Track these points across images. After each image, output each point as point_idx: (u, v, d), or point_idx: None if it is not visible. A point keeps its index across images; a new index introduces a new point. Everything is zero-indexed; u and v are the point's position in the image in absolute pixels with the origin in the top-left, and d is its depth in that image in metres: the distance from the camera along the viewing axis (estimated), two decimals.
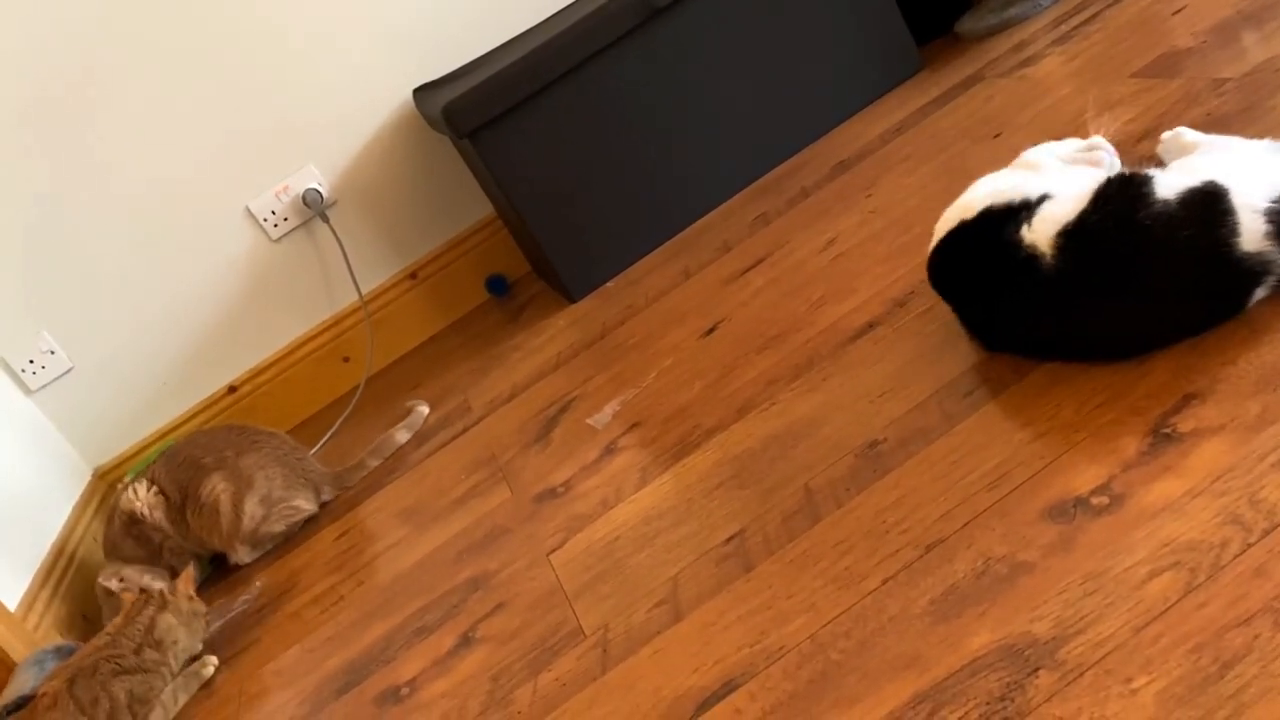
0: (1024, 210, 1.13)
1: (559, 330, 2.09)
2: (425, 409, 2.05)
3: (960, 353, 1.27)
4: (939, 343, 1.32)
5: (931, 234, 1.27)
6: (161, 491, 1.93)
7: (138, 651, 1.55)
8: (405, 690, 1.28)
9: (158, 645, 1.58)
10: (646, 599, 1.18)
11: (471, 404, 1.99)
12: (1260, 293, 1.02)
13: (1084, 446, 1.03)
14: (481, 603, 1.37)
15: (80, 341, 2.32)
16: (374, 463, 1.98)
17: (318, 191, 2.35)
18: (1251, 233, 0.99)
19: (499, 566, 1.42)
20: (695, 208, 2.19)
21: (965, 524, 1.02)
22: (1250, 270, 1.00)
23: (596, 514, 1.40)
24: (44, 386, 2.31)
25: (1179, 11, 1.82)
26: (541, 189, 2.11)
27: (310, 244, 2.40)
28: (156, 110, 2.23)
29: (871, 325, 1.45)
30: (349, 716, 1.31)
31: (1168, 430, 0.99)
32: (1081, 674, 0.81)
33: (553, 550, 1.38)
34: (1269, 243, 0.99)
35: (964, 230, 1.21)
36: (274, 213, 2.35)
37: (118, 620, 1.61)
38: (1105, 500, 0.95)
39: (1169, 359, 1.06)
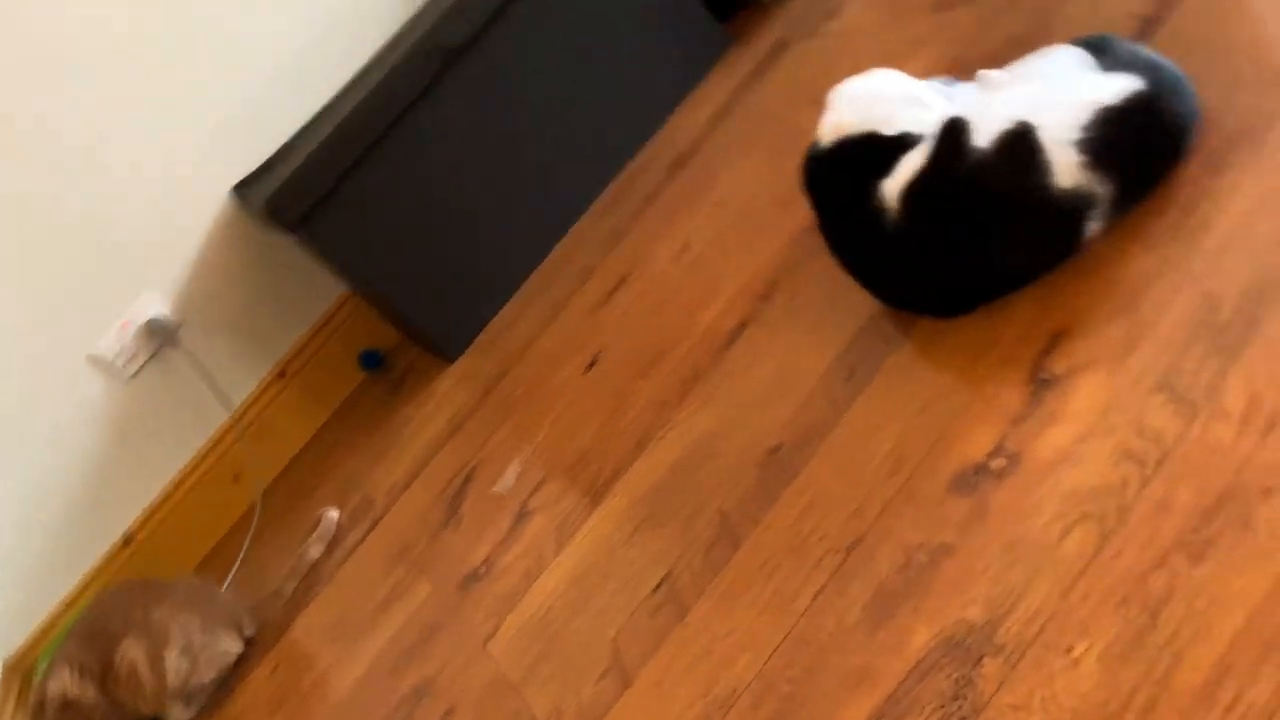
0: (899, 152, 1.12)
1: (444, 394, 2.03)
2: (335, 514, 1.97)
3: (830, 335, 1.27)
4: (808, 330, 1.31)
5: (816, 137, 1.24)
6: (83, 669, 1.82)
7: None
8: None
9: None
10: (592, 670, 1.15)
11: (373, 496, 1.93)
12: (1093, 225, 1.02)
13: (969, 409, 1.03)
14: (430, 711, 1.31)
15: None
16: (292, 585, 1.90)
17: (161, 319, 2.24)
18: (1065, 167, 0.99)
19: (438, 668, 1.37)
20: (547, 239, 2.15)
21: (878, 515, 1.01)
22: (1073, 206, 1.00)
23: (523, 589, 1.36)
24: None
25: None
26: (387, 260, 2.04)
27: (168, 372, 2.29)
28: None
29: (743, 325, 1.44)
30: None
31: (1045, 376, 0.99)
32: (1023, 654, 0.81)
33: (488, 638, 1.34)
34: (1086, 173, 0.99)
35: (844, 149, 1.18)
36: (121, 351, 2.23)
37: None
38: (1003, 462, 0.95)
39: (1027, 299, 1.07)
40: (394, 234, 2.04)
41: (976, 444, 0.99)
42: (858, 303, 1.27)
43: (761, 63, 2.05)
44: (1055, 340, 1.01)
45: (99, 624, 1.84)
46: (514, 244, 2.12)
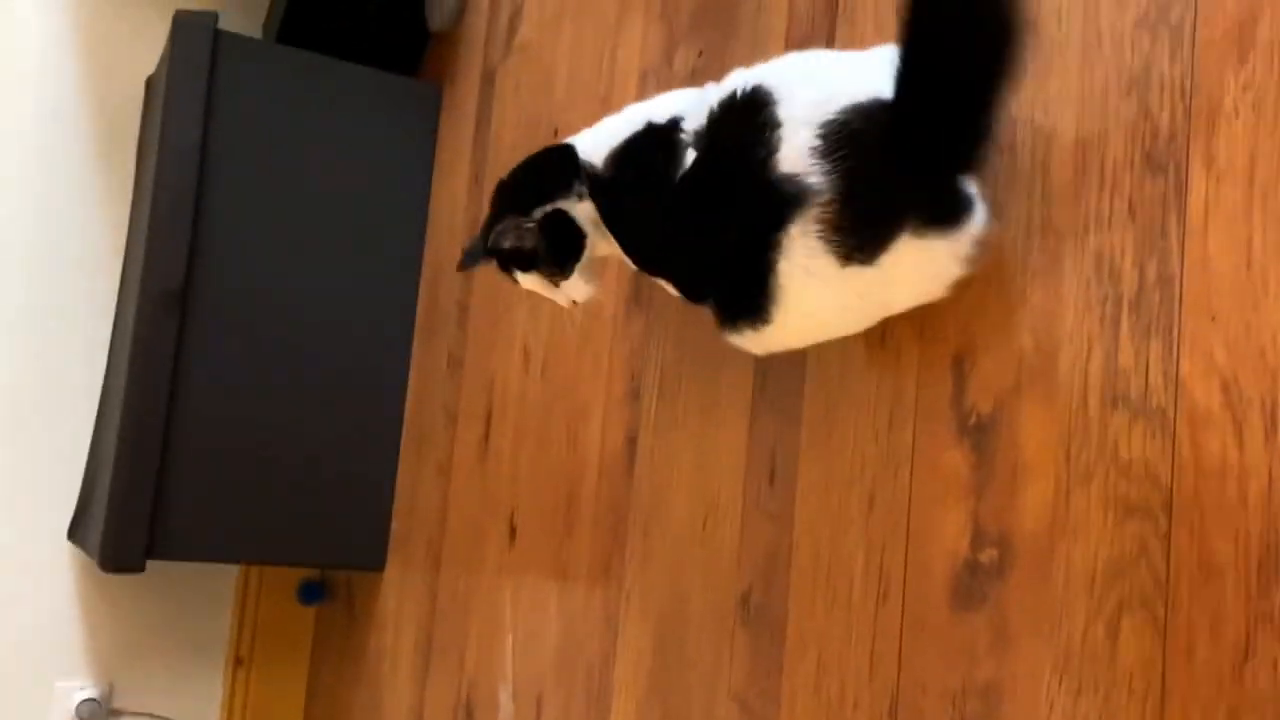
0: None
1: (398, 613, 1.83)
2: None
3: (727, 421, 1.08)
4: (701, 421, 1.13)
5: None
6: None
7: None
8: None
9: None
10: None
11: None
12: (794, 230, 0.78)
13: (919, 488, 0.85)
14: None
15: None
16: None
17: (88, 698, 2.01)
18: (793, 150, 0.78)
19: None
20: (393, 398, 1.92)
21: (899, 663, 0.84)
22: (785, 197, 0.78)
23: None
24: None
25: None
26: (253, 529, 1.80)
27: None
28: None
29: (631, 439, 1.24)
30: None
31: (973, 420, 0.81)
32: None
33: None
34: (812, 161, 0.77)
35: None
36: None
37: None
38: (994, 553, 0.78)
39: (900, 328, 0.88)
40: (241, 503, 1.80)
41: (952, 534, 0.82)
42: (733, 375, 1.08)
43: (481, 100, 1.81)
44: (959, 366, 0.83)
45: None
46: (364, 427, 1.89)
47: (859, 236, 0.75)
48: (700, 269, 0.87)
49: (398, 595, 1.85)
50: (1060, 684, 0.72)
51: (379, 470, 1.90)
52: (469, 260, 1.07)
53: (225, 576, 2.16)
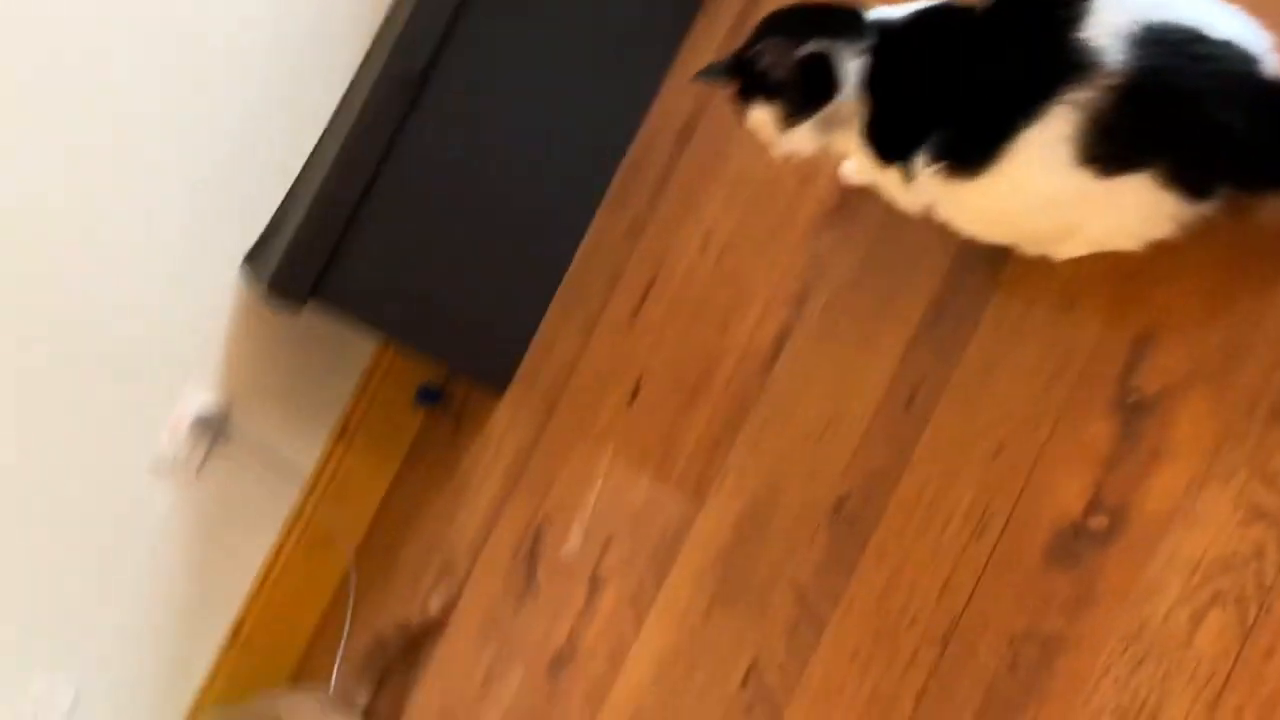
0: None
1: (501, 435, 1.93)
2: None
3: (879, 347, 1.11)
4: (857, 339, 1.16)
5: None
6: None
7: None
8: None
9: None
10: None
11: (454, 558, 1.85)
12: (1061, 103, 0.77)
13: (1053, 447, 0.87)
14: None
15: (73, 670, 2.20)
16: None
17: (207, 413, 2.18)
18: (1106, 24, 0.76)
19: None
20: (566, 247, 2.00)
21: (970, 596, 0.87)
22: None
23: (611, 676, 1.26)
24: None
25: None
26: (408, 309, 1.93)
27: (230, 460, 2.24)
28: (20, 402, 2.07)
29: (783, 338, 1.28)
30: None
31: (1134, 399, 0.82)
32: None
33: None
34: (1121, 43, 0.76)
35: None
36: (177, 454, 2.18)
37: None
38: (1104, 521, 0.80)
39: (1099, 292, 0.89)
40: (408, 280, 1.92)
41: (1069, 496, 0.83)
42: (905, 302, 1.10)
43: (740, 13, 1.83)
44: (1139, 347, 0.84)
45: None
46: (534, 259, 1.98)
47: (1113, 144, 0.75)
48: (952, 107, 0.88)
49: (506, 423, 1.94)
50: (1124, 653, 0.73)
51: (532, 306, 1.98)
52: (711, 73, 1.08)
53: (359, 354, 2.28)
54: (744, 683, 1.06)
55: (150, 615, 2.24)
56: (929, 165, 0.88)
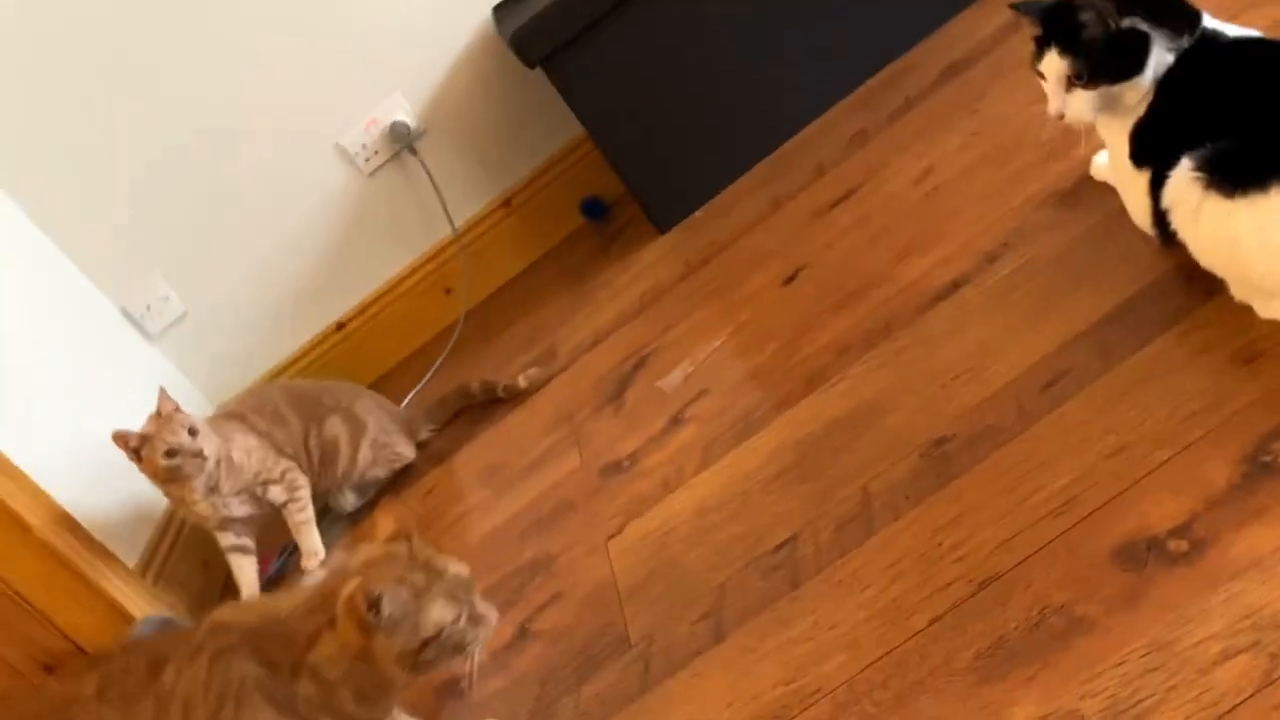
0: None
1: (646, 267, 1.99)
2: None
3: (1045, 327, 1.12)
4: (1027, 312, 1.17)
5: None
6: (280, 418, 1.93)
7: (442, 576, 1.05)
8: (464, 685, 1.28)
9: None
10: (692, 609, 1.12)
11: (558, 349, 1.94)
12: None
13: (1168, 470, 0.89)
14: (541, 590, 1.34)
15: (192, 286, 2.37)
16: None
17: (405, 123, 2.29)
18: None
19: (560, 550, 1.39)
20: (790, 122, 2.02)
21: (1025, 558, 0.91)
22: None
23: (657, 496, 1.34)
24: (163, 331, 2.39)
25: None
26: (621, 117, 1.98)
27: (402, 177, 2.36)
28: (245, 46, 2.19)
29: (957, 285, 1.30)
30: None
31: (1268, 458, 0.84)
32: None
33: (612, 535, 1.33)
34: None
35: None
36: (364, 146, 2.31)
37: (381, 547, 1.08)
38: (1184, 546, 0.82)
39: (1275, 359, 0.90)
40: (634, 91, 1.97)
41: (1161, 513, 0.86)
42: (1089, 299, 1.12)
43: None
44: None
45: (309, 394, 1.95)
46: (754, 123, 2.01)
47: None
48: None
49: (653, 259, 2.00)
50: (1142, 656, 0.77)
51: (730, 166, 2.02)
52: (1028, 7, 1.08)
53: (555, 139, 2.35)
54: (777, 548, 1.12)
55: (275, 269, 2.41)
56: (1193, 170, 0.89)
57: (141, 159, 2.25)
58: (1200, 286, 1.02)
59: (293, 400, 1.93)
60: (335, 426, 1.89)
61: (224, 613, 1.12)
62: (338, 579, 1.04)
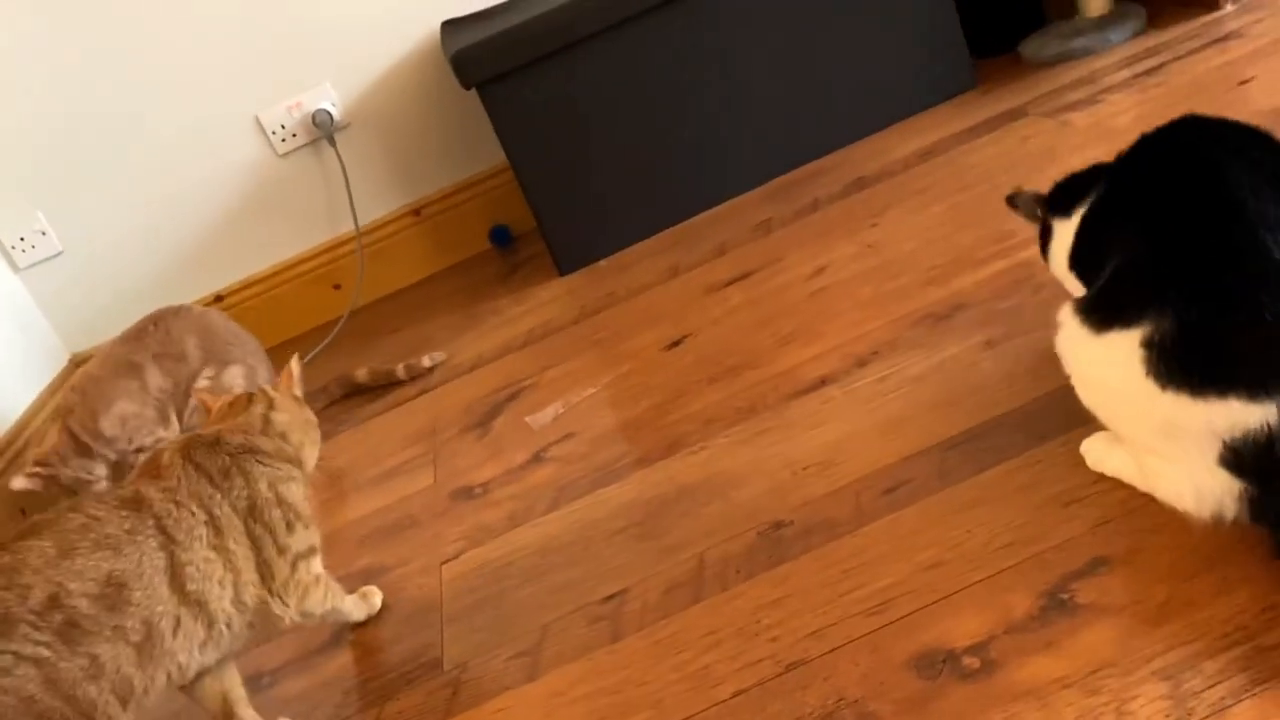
0: None
1: (540, 303, 2.02)
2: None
3: (896, 437, 1.19)
4: (881, 421, 1.23)
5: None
6: (180, 355, 1.84)
7: (265, 432, 1.17)
8: (267, 680, 1.25)
9: (283, 438, 1.18)
10: (512, 644, 1.13)
11: (438, 363, 1.94)
12: None
13: (977, 590, 0.94)
14: None
15: (74, 227, 2.30)
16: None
17: (329, 113, 2.28)
18: None
19: (395, 564, 1.38)
20: (704, 198, 2.09)
21: (833, 649, 0.95)
22: None
23: (501, 529, 1.35)
24: (31, 266, 2.30)
25: (1246, 82, 1.66)
26: (546, 155, 2.02)
27: (315, 164, 2.34)
28: (182, 3, 2.16)
29: (824, 381, 1.36)
30: None
31: (1065, 596, 0.90)
32: None
33: (448, 560, 1.33)
34: None
35: None
36: (283, 127, 2.29)
37: (217, 416, 1.22)
38: (976, 663, 0.88)
39: (1098, 504, 0.97)
40: (563, 133, 2.01)
41: (962, 629, 0.91)
42: (939, 420, 1.18)
43: (990, 120, 1.92)
44: (1096, 564, 0.92)
45: (220, 335, 1.84)
46: (670, 190, 2.07)
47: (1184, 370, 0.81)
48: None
49: (549, 297, 2.02)
50: None
51: (639, 226, 2.08)
52: (1015, 203, 1.13)
53: (481, 161, 2.37)
54: (606, 599, 1.14)
55: (166, 226, 2.35)
56: (1072, 307, 0.93)
57: (56, 95, 2.19)
58: (1037, 430, 1.10)
59: (203, 337, 1.82)
60: (234, 378, 1.82)
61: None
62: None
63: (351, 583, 1.37)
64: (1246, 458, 0.79)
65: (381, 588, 1.33)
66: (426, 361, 1.91)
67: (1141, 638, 0.84)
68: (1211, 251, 0.82)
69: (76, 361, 2.37)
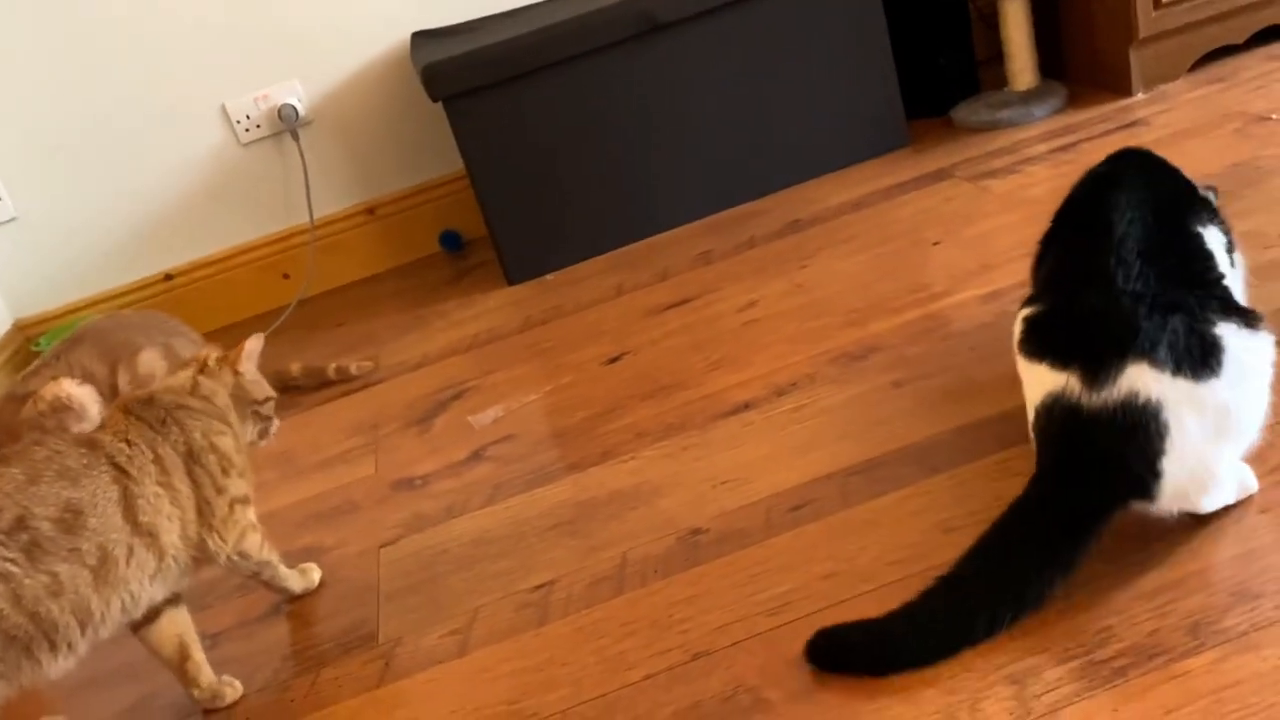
0: None
1: (487, 310, 2.12)
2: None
3: (807, 462, 1.32)
4: (794, 445, 1.36)
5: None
6: (88, 374, 1.87)
7: (193, 393, 1.26)
8: (208, 643, 1.33)
9: (208, 401, 1.27)
10: (444, 624, 1.23)
11: (381, 361, 2.03)
12: None
13: (865, 601, 1.07)
14: None
15: (30, 194, 2.33)
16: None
17: (294, 108, 2.36)
18: None
19: (335, 545, 1.47)
20: (651, 225, 2.21)
21: (736, 642, 1.07)
22: None
23: (439, 519, 1.45)
24: None
25: None
26: (504, 169, 2.13)
27: (277, 156, 2.42)
28: None
29: (747, 406, 1.49)
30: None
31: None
32: None
33: (386, 544, 1.43)
34: None
35: None
36: (248, 117, 2.36)
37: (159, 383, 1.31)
38: None
39: (975, 533, 1.10)
40: (522, 152, 2.12)
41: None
42: (846, 448, 1.32)
43: (918, 179, 2.07)
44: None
45: (115, 334, 1.91)
46: (619, 214, 2.19)
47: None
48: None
49: (495, 305, 2.13)
50: None
51: (589, 243, 2.19)
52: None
53: (439, 168, 2.47)
54: (535, 588, 1.25)
55: (122, 203, 2.40)
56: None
57: (24, 69, 2.24)
58: (930, 463, 1.24)
59: (97, 346, 1.85)
60: (151, 362, 1.86)
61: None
62: None
63: (291, 560, 1.45)
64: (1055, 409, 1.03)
65: (321, 567, 1.41)
66: (354, 369, 1.98)
67: (995, 647, 0.97)
68: (1073, 259, 1.10)
69: (19, 326, 2.40)
